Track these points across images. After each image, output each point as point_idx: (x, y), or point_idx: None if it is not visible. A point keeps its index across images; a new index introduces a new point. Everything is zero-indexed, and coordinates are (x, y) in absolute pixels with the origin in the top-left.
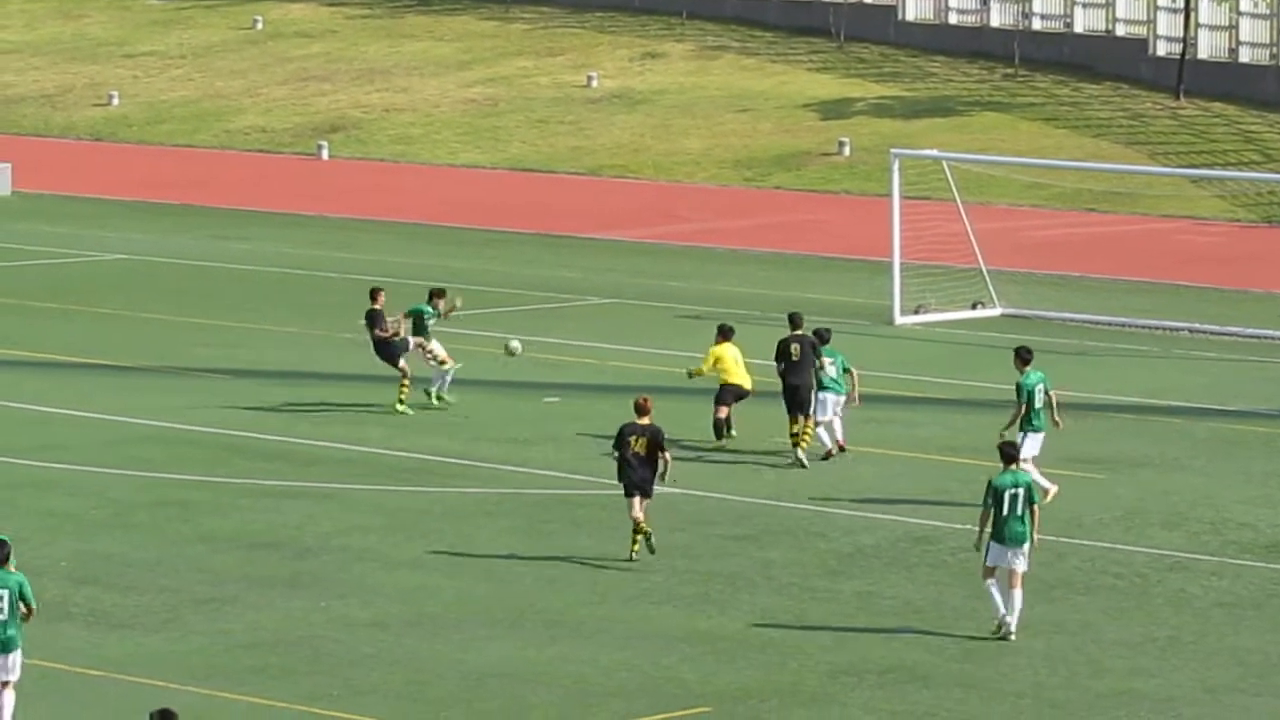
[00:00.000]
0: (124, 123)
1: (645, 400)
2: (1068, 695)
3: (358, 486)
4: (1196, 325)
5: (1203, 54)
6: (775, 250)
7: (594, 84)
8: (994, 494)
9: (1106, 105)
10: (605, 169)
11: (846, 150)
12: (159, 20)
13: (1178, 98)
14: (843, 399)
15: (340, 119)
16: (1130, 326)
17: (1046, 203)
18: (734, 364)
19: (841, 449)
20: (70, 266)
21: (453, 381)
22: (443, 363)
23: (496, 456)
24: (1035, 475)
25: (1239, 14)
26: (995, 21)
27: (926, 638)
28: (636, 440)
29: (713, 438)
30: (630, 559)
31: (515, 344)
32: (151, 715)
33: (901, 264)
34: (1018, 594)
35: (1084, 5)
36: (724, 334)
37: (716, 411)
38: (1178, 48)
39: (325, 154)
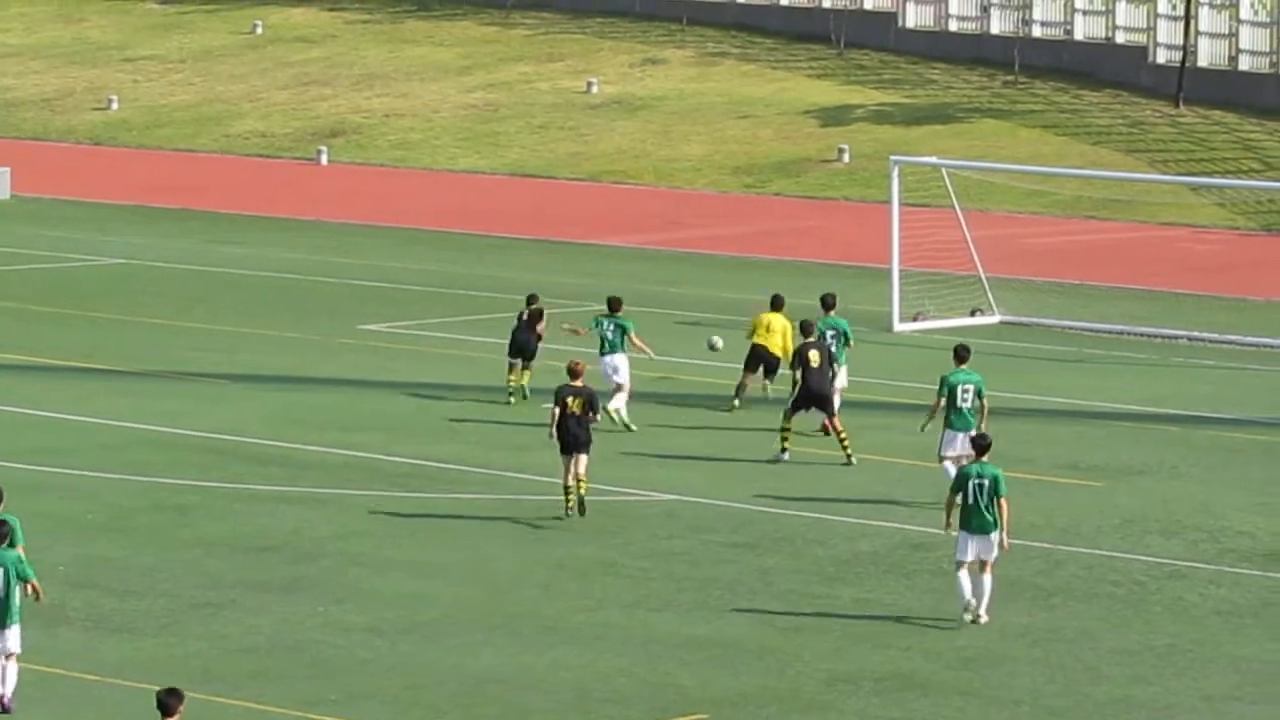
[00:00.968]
0: (123, 127)
1: (577, 364)
2: (1066, 703)
3: (355, 491)
4: (1195, 333)
5: (1203, 61)
6: (775, 257)
7: (594, 90)
8: (960, 482)
9: (1106, 112)
10: (605, 175)
11: (846, 157)
12: (159, 24)
13: (1177, 105)
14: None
15: (340, 124)
16: (1129, 334)
17: (1046, 210)
18: (772, 332)
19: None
20: (69, 270)
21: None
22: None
23: (494, 462)
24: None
25: (1239, 22)
26: (995, 29)
27: (925, 645)
28: (574, 401)
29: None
30: (564, 516)
31: (717, 340)
32: (158, 694)
33: (900, 271)
34: (987, 579)
35: (1084, 12)
36: (774, 303)
37: (744, 377)
38: (1178, 55)
39: (325, 159)
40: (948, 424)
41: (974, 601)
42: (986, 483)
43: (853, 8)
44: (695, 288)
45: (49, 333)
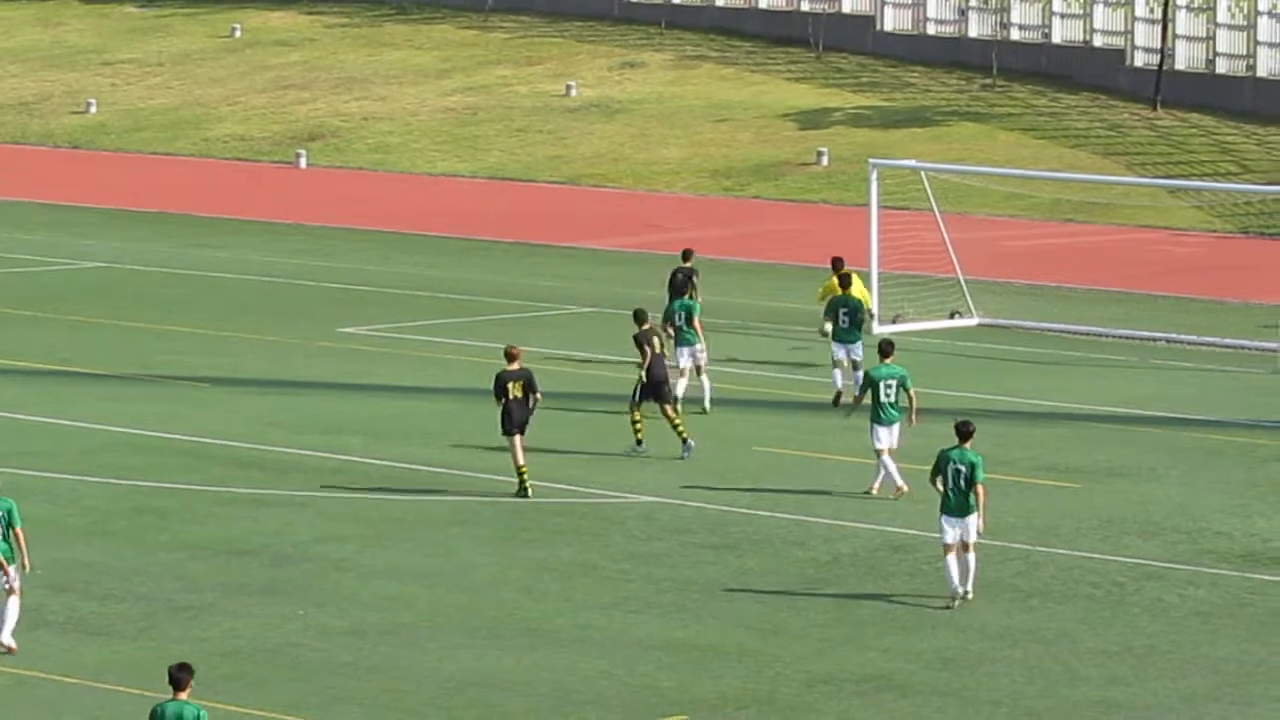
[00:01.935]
0: (102, 130)
1: (514, 349)
2: (1045, 704)
3: (335, 495)
4: (1173, 335)
5: (1180, 65)
6: (754, 260)
7: (573, 93)
8: (940, 465)
9: (1084, 115)
10: (584, 178)
11: (825, 160)
12: (137, 28)
13: (1155, 108)
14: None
15: (319, 127)
16: (1107, 336)
17: (1024, 213)
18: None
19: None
20: (48, 274)
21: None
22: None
23: (474, 465)
24: (891, 468)
25: (1216, 25)
26: (973, 32)
27: (904, 646)
28: (514, 385)
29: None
30: (526, 495)
31: (829, 327)
32: (170, 669)
33: (879, 274)
34: (971, 558)
35: (1062, 16)
36: (835, 266)
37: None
38: (1155, 59)
39: (304, 162)
40: (874, 418)
41: (960, 588)
42: (964, 469)
43: (831, 11)
44: None
45: (28, 336)
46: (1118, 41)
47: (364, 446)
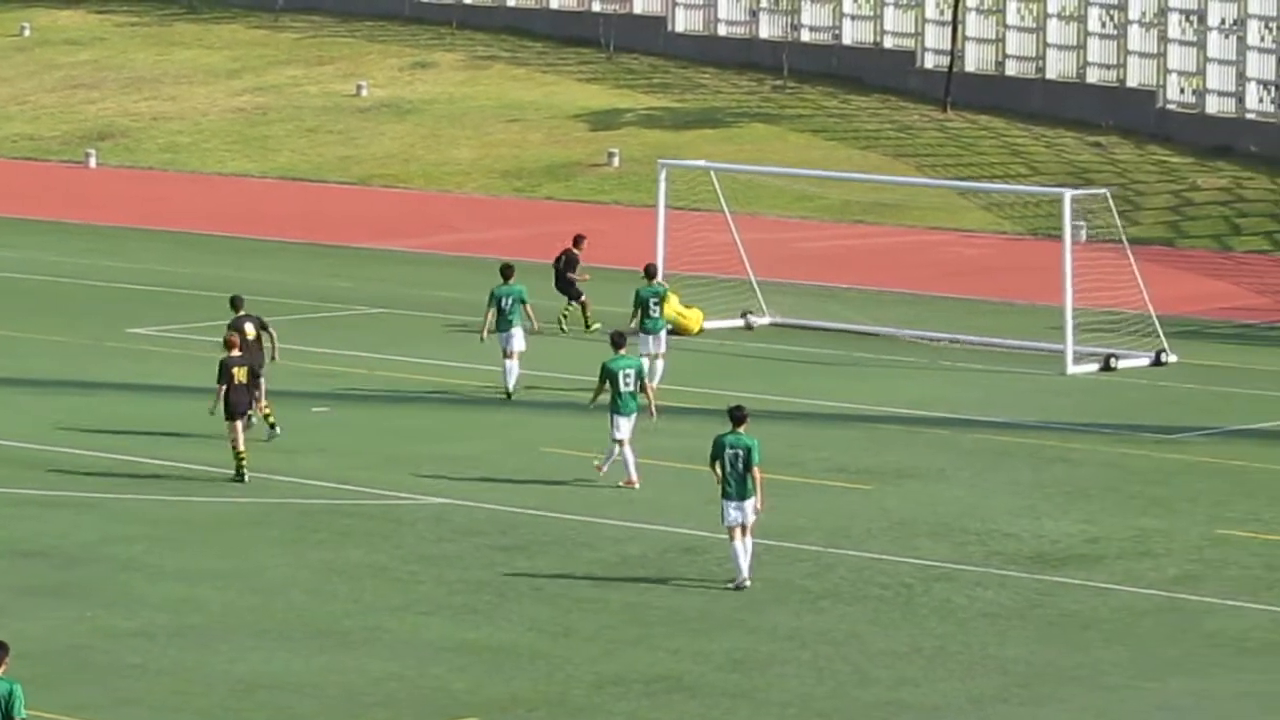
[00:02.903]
0: None
1: (233, 335)
2: (835, 705)
3: (124, 496)
4: (961, 336)
5: (970, 67)
6: (546, 260)
7: (364, 93)
8: (717, 451)
9: (875, 117)
10: (375, 178)
11: (616, 161)
12: None
13: (945, 110)
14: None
15: (109, 127)
16: (896, 337)
17: (815, 214)
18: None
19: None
20: None
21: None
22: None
23: (264, 466)
24: (628, 458)
25: (1006, 28)
26: (764, 33)
27: (694, 648)
28: (239, 370)
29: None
30: (243, 480)
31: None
32: None
33: (667, 274)
34: (748, 541)
35: (853, 18)
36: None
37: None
38: (945, 60)
39: (93, 162)
40: (613, 408)
41: (743, 575)
42: (742, 453)
43: (622, 12)
44: (466, 291)
45: None
46: (908, 43)
47: (153, 447)
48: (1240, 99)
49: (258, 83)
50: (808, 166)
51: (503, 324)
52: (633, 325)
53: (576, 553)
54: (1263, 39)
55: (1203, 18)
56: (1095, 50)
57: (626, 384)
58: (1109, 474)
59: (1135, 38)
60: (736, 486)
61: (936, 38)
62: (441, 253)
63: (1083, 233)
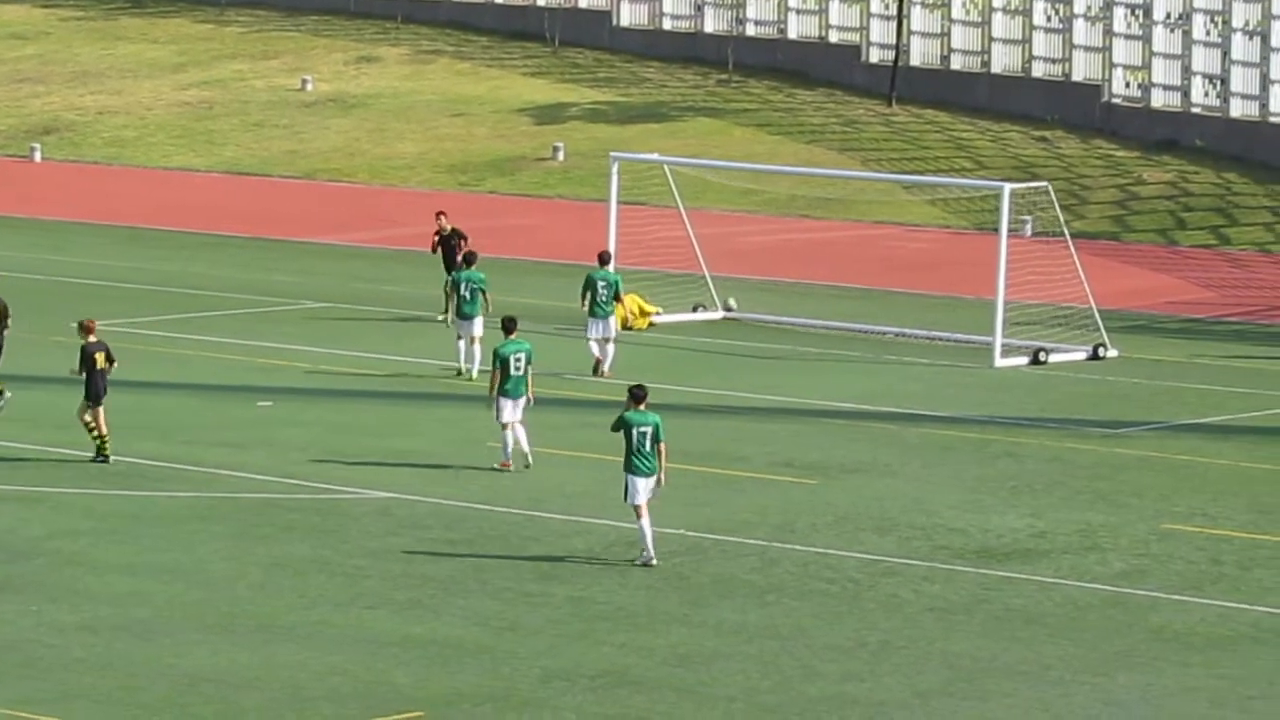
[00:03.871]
0: None
1: (89, 322)
2: (780, 699)
3: (68, 490)
4: (906, 330)
5: (915, 61)
6: (490, 255)
7: (309, 87)
8: (624, 428)
9: (820, 111)
10: (320, 173)
11: (561, 155)
12: None
13: (890, 104)
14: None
15: (54, 121)
16: (843, 331)
17: (760, 209)
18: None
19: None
20: None
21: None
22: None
23: (209, 460)
24: (523, 440)
25: (951, 21)
26: (709, 28)
27: (639, 642)
28: (100, 355)
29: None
30: (107, 461)
31: (732, 302)
32: None
33: (617, 269)
34: (646, 521)
35: (797, 12)
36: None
37: None
38: (890, 55)
39: (38, 156)
40: (501, 392)
41: (648, 552)
42: (649, 429)
43: (567, 6)
44: (410, 285)
45: None
46: (853, 38)
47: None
48: (1186, 93)
49: (203, 77)
50: (753, 161)
51: (465, 309)
52: (583, 308)
53: (522, 546)
54: (1208, 33)
55: (1148, 12)
56: (1040, 44)
57: (517, 368)
58: (1054, 469)
59: (1080, 32)
60: (644, 463)
61: (881, 32)
62: (385, 247)
63: (1028, 227)
